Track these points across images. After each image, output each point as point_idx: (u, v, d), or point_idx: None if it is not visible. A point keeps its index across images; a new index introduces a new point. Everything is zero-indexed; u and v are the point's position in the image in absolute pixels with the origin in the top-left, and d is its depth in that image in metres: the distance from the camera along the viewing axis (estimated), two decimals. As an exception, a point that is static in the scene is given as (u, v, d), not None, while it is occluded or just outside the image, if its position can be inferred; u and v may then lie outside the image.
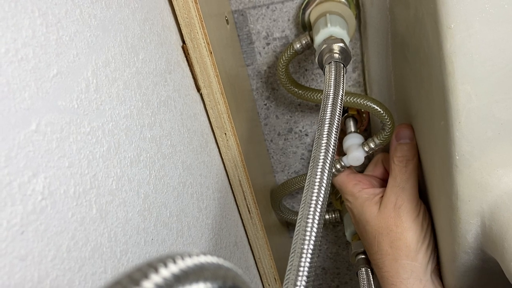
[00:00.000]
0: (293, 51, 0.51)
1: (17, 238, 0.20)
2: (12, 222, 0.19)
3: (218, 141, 0.49)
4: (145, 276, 0.13)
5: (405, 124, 0.49)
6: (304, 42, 0.50)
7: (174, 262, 0.13)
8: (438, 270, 0.47)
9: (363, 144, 0.53)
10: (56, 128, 0.23)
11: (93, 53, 0.27)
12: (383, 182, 0.54)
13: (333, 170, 0.54)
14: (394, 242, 0.46)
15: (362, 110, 0.60)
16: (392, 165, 0.48)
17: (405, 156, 0.47)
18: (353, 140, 0.55)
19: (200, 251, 0.15)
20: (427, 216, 0.47)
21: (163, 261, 0.13)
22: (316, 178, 0.30)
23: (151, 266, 0.13)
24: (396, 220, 0.46)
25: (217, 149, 0.49)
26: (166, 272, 0.13)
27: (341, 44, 0.42)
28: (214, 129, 0.48)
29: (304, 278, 0.25)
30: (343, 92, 0.37)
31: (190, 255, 0.14)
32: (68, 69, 0.25)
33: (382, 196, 0.49)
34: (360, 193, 0.51)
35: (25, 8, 0.22)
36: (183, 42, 0.42)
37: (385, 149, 0.54)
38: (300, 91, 0.54)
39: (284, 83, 0.54)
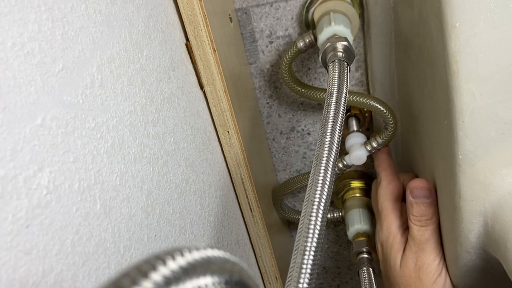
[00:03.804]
0: (296, 50, 0.51)
1: (22, 232, 0.20)
2: (17, 216, 0.20)
3: (220, 139, 0.49)
4: (153, 268, 0.13)
5: (419, 180, 0.44)
6: (307, 40, 0.50)
7: (182, 255, 0.14)
8: None
9: (365, 143, 0.53)
10: (61, 123, 0.23)
11: (98, 48, 0.27)
12: None
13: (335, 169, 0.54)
14: None
15: (365, 109, 0.60)
16: (410, 223, 0.44)
17: (423, 216, 0.43)
18: (355, 139, 0.55)
19: (207, 244, 0.15)
20: (448, 276, 0.45)
21: (171, 254, 0.13)
22: (319, 176, 0.30)
23: (159, 259, 0.13)
24: (417, 281, 0.44)
25: (220, 147, 0.49)
26: (173, 264, 0.13)
27: (345, 43, 0.42)
28: (216, 127, 0.48)
29: (307, 275, 0.25)
30: (346, 90, 0.37)
31: (197, 249, 0.14)
32: (74, 64, 0.25)
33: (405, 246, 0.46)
34: (397, 231, 0.48)
35: (31, 3, 0.22)
36: (187, 39, 0.42)
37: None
38: (303, 90, 0.54)
39: (287, 81, 0.54)
